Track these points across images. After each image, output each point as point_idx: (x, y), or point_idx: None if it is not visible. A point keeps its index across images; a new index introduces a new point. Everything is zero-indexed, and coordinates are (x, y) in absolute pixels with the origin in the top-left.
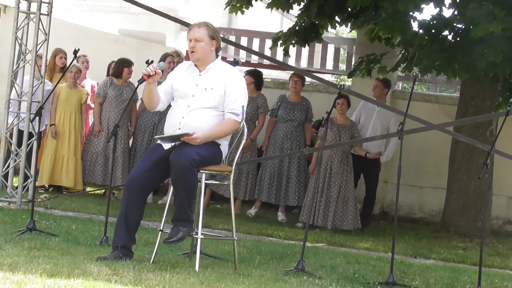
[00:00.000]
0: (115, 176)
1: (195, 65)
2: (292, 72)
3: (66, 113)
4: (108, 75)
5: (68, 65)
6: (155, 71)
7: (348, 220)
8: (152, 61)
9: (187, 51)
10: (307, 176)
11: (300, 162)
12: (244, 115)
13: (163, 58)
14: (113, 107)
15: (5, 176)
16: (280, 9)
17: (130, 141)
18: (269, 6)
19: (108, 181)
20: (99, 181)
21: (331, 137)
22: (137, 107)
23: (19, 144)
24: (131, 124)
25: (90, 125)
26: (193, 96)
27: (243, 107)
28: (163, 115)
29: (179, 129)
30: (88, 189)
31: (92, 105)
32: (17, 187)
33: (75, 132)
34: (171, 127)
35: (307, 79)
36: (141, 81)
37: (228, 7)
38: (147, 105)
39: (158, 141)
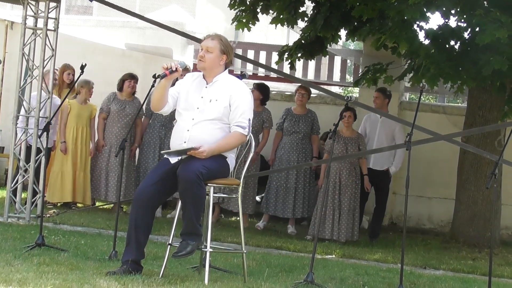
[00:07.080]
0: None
1: (203, 77)
2: (299, 84)
3: (78, 129)
4: None
5: (75, 80)
6: (176, 68)
7: (355, 231)
8: (159, 76)
9: (194, 64)
10: (313, 188)
11: (306, 175)
12: (251, 128)
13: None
14: (115, 121)
15: (14, 192)
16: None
17: (136, 157)
18: (273, 22)
19: (109, 197)
20: (102, 197)
21: (337, 150)
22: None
23: (28, 160)
24: (136, 139)
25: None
26: (197, 108)
27: (249, 120)
28: (168, 129)
29: (185, 142)
30: (97, 204)
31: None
32: (25, 203)
33: (85, 147)
34: (176, 141)
35: (314, 91)
36: (162, 76)
37: (235, 23)
38: (154, 104)
39: (165, 156)
